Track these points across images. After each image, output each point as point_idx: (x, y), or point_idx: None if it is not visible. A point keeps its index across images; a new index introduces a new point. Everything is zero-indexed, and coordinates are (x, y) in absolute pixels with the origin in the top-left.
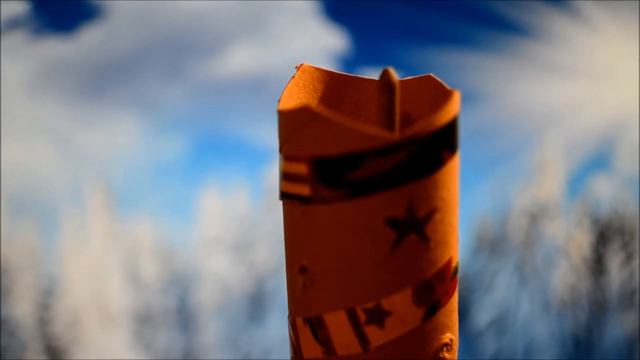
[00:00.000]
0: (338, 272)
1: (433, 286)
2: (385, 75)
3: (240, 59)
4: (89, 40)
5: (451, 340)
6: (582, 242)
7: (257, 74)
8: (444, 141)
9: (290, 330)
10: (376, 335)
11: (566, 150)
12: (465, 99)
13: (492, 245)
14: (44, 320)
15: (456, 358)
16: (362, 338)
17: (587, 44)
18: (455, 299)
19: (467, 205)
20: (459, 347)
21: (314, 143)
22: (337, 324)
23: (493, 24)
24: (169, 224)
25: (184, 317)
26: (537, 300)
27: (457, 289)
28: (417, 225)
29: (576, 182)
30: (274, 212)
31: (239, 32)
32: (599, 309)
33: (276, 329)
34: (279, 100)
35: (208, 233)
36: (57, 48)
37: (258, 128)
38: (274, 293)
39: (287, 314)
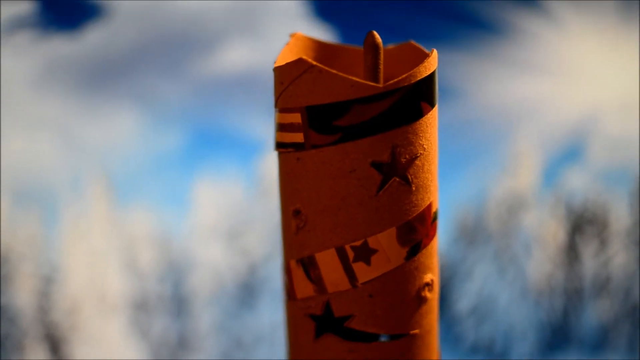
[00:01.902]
0: (328, 213)
1: (415, 227)
2: (370, 36)
3: (235, 57)
4: (92, 38)
5: (432, 280)
6: (557, 231)
7: (251, 71)
8: (423, 93)
9: (284, 274)
10: (363, 272)
11: (540, 143)
12: (441, 94)
13: (471, 234)
14: (43, 309)
15: (437, 298)
16: (351, 275)
17: (557, 41)
18: (435, 242)
19: (447, 196)
20: (440, 334)
21: (307, 93)
22: (328, 262)
23: (467, 23)
24: (165, 214)
25: (179, 304)
26: (515, 289)
27: (437, 233)
28: (400, 170)
29: (551, 174)
30: (267, 202)
31: (234, 31)
32: (575, 296)
33: (267, 315)
34: (275, 62)
35: (202, 222)
36: (61, 46)
37: (251, 121)
38: (266, 280)
39: (278, 300)
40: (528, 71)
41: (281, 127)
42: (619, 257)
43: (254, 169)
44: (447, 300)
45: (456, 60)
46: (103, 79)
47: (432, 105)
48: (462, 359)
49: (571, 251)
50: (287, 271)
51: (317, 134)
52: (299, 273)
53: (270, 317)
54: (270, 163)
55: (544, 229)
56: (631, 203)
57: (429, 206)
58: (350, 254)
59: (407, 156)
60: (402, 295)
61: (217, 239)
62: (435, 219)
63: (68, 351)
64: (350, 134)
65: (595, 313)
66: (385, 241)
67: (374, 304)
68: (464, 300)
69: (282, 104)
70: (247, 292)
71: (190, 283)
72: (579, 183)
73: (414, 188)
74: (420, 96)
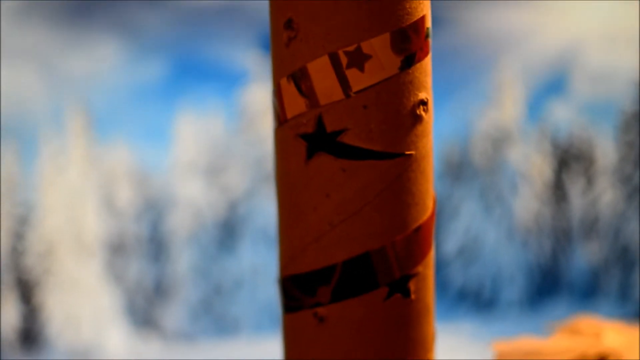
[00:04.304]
0: (322, 19)
1: (409, 36)
2: None
3: None
4: None
5: (427, 99)
6: (543, 167)
7: (233, 1)
8: None
9: (274, 99)
10: (357, 79)
11: (524, 74)
12: None
13: (456, 170)
14: (17, 251)
15: (431, 124)
16: (344, 82)
17: None
18: (429, 62)
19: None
20: None
21: None
22: (320, 70)
23: None
24: (144, 149)
25: (156, 246)
26: (502, 228)
27: (430, 50)
28: None
29: (535, 107)
30: (248, 136)
31: None
32: (563, 237)
33: (247, 258)
34: None
35: (182, 157)
36: None
37: (234, 52)
38: (246, 219)
39: (258, 241)
40: (512, 1)
41: None
42: (606, 196)
43: (236, 101)
44: (434, 241)
45: None
46: (84, 9)
47: None
48: (450, 306)
49: (558, 189)
50: (277, 92)
51: None
52: (289, 89)
53: (250, 261)
54: (252, 95)
55: (529, 165)
56: (617, 137)
57: (423, 19)
58: (344, 60)
59: None
60: (396, 109)
61: (197, 175)
62: (428, 35)
63: (41, 297)
64: None
65: (585, 256)
66: (378, 46)
67: (368, 117)
68: (451, 241)
69: None
70: (227, 232)
71: (169, 222)
72: (563, 116)
73: None
74: None
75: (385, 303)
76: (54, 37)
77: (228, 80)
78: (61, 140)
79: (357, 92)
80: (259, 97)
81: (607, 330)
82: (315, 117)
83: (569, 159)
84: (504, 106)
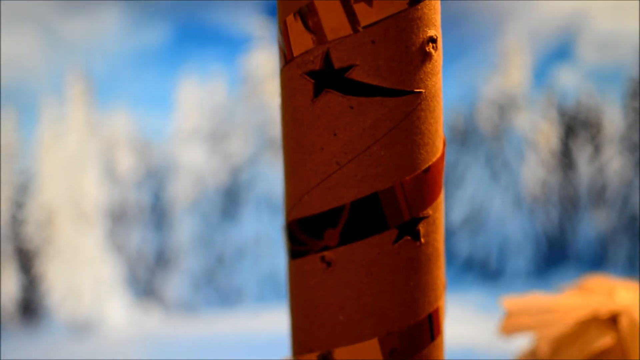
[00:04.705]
0: None
1: None
2: None
3: None
4: None
5: (436, 37)
6: (549, 134)
7: None
8: None
9: (280, 38)
10: (365, 14)
11: (530, 40)
12: None
13: (462, 137)
14: (16, 220)
15: (441, 62)
16: (352, 17)
17: None
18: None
19: None
20: None
21: None
22: (328, 5)
23: None
24: (146, 115)
25: (158, 214)
26: (509, 196)
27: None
28: None
29: (541, 73)
30: (252, 101)
31: None
32: (570, 206)
33: (251, 226)
34: None
35: (185, 124)
36: None
37: (237, 17)
38: (250, 186)
39: (261, 208)
40: None
41: None
42: (614, 163)
43: (239, 67)
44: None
45: None
46: None
47: None
48: (456, 276)
49: (565, 157)
50: (283, 31)
51: None
52: (296, 26)
53: (253, 229)
54: (255, 61)
55: (536, 132)
56: (624, 104)
57: None
58: None
59: None
60: (405, 45)
61: (199, 142)
62: None
63: (41, 266)
64: None
65: (593, 224)
66: None
67: (377, 52)
68: (457, 210)
69: None
70: (230, 200)
71: (170, 190)
72: (570, 83)
73: None
74: None
75: (394, 246)
76: (54, 1)
77: (231, 46)
78: (61, 107)
79: (365, 27)
80: (262, 62)
81: (619, 289)
82: (322, 53)
83: (575, 126)
84: (510, 73)
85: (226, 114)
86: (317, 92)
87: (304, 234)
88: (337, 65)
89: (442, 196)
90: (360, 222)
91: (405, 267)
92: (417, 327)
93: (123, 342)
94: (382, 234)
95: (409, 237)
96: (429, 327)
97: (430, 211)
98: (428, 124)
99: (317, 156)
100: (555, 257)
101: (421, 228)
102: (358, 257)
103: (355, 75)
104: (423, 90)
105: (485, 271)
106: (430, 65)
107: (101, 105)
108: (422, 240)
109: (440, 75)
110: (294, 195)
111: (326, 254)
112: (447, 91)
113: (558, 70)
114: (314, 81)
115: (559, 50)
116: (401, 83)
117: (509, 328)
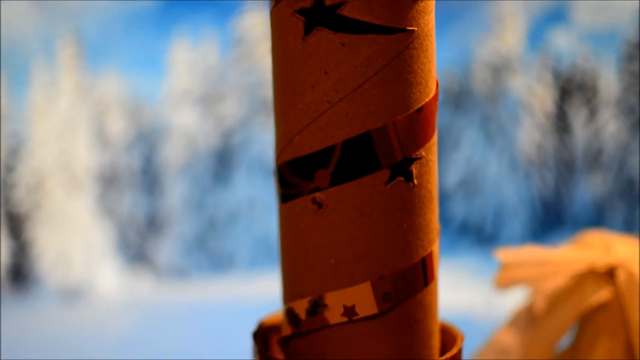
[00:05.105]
0: None
1: None
2: None
3: None
4: None
5: None
6: (545, 97)
7: None
8: None
9: None
10: None
11: (524, 2)
12: None
13: (456, 99)
14: (6, 184)
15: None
16: None
17: None
18: None
19: None
20: None
21: None
22: None
23: None
24: (137, 78)
25: (150, 178)
26: (504, 160)
27: None
28: None
29: (536, 36)
30: (244, 64)
31: None
32: (566, 169)
33: (243, 190)
34: None
35: (176, 86)
36: None
37: None
38: (242, 148)
39: (254, 171)
40: None
41: None
42: (610, 127)
43: (231, 29)
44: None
45: None
46: None
47: None
48: (451, 240)
49: (560, 120)
50: None
51: None
52: None
53: (246, 193)
54: (248, 23)
55: (531, 95)
56: (620, 68)
57: None
58: None
59: None
60: None
61: (191, 105)
62: None
63: (31, 231)
64: None
65: (589, 189)
66: None
67: None
68: (452, 173)
69: None
70: (222, 163)
71: (162, 153)
72: (565, 46)
73: None
74: None
75: (386, 187)
76: None
77: (224, 8)
78: (52, 70)
79: None
80: (255, 24)
81: (617, 243)
82: None
83: (571, 89)
84: (505, 35)
85: (218, 76)
86: (308, 30)
87: (295, 176)
88: (328, 2)
89: (435, 138)
90: (351, 162)
91: (398, 208)
92: (411, 271)
93: (114, 307)
94: (374, 174)
95: (401, 178)
96: (423, 272)
97: (423, 152)
98: (421, 63)
99: (307, 95)
100: (551, 221)
101: (414, 169)
102: (350, 198)
103: (347, 12)
104: (415, 29)
105: (480, 235)
106: (422, 4)
107: (93, 69)
108: (415, 181)
109: (433, 15)
110: (285, 137)
111: (317, 195)
112: (441, 54)
113: (553, 32)
114: (305, 19)
115: (554, 13)
116: (393, 20)
117: (504, 281)
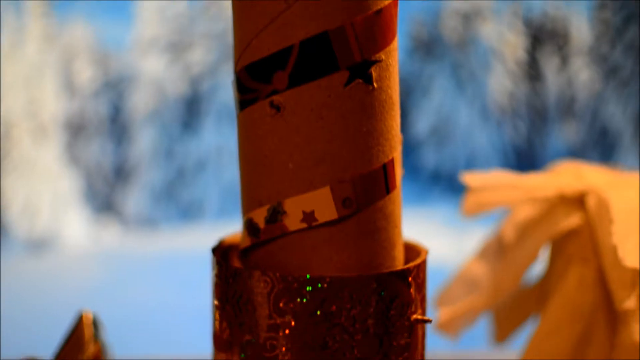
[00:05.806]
0: None
1: None
2: None
3: None
4: None
5: None
6: (516, 44)
7: None
8: None
9: None
10: None
11: None
12: None
13: (426, 46)
14: None
15: None
16: None
17: None
18: None
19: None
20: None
21: None
22: None
23: None
24: (105, 25)
25: (117, 126)
26: (475, 108)
27: None
28: None
29: None
30: (212, 10)
31: None
32: (538, 118)
33: (211, 138)
34: None
35: (144, 34)
36: None
37: None
38: (210, 96)
39: (222, 118)
40: None
41: None
42: (582, 75)
43: None
44: (405, 121)
45: None
46: None
47: None
48: (423, 189)
49: (532, 68)
50: None
51: None
52: None
53: (214, 141)
54: None
55: (502, 42)
56: (591, 15)
57: None
58: None
59: None
60: None
61: (159, 52)
62: None
63: None
64: None
65: (562, 137)
66: None
67: None
68: (422, 121)
69: None
70: (190, 111)
71: (130, 101)
72: None
73: None
74: None
75: (345, 89)
76: None
77: None
78: (19, 18)
79: None
80: None
81: (588, 171)
82: None
83: (542, 37)
84: None
85: (187, 23)
86: None
87: (252, 80)
88: None
89: (395, 43)
90: (309, 62)
91: (358, 111)
92: (371, 177)
93: (81, 257)
94: (332, 75)
95: (360, 81)
96: (384, 179)
97: (383, 56)
98: None
99: None
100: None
101: (373, 72)
102: (308, 100)
103: None
104: None
105: (452, 184)
106: None
107: (60, 16)
108: (375, 84)
109: None
110: (243, 42)
111: (275, 98)
112: (410, 2)
113: None
114: None
115: None
116: None
117: (472, 206)
